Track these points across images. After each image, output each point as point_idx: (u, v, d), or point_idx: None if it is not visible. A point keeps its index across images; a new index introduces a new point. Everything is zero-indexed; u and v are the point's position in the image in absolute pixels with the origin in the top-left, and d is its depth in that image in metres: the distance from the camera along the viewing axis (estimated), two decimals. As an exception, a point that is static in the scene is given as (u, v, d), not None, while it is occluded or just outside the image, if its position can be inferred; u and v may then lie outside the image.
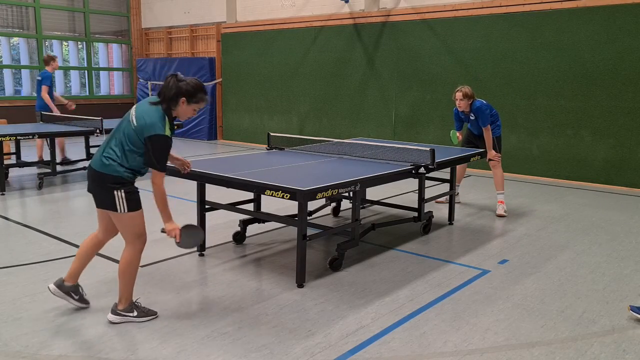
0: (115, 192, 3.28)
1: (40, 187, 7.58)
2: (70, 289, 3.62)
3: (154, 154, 3.24)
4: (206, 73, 13.46)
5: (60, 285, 3.60)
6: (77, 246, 5.05)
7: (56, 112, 8.99)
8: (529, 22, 8.79)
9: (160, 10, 15.22)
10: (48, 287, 3.62)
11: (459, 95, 6.29)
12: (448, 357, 3.15)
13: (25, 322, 3.49)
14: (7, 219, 6.05)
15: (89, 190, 3.47)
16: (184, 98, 3.33)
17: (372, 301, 3.90)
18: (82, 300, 3.66)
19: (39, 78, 9.05)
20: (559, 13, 8.51)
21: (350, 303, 3.86)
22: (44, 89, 8.90)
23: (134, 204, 3.36)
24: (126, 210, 3.32)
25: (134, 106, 3.41)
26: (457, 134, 6.65)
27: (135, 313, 3.51)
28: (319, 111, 11.71)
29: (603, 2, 8.11)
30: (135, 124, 3.27)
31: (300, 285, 4.13)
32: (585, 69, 8.34)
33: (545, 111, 8.77)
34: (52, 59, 9.12)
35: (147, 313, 3.55)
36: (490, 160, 6.39)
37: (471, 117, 6.41)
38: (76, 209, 6.75)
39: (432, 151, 4.93)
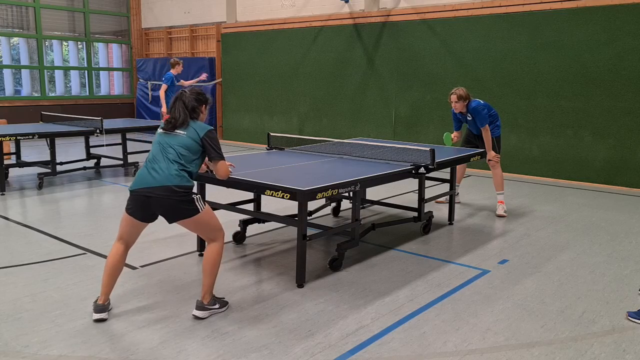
0: (194, 197, 3.52)
1: (40, 187, 7.58)
2: (109, 306, 3.63)
3: (216, 145, 3.62)
4: (206, 73, 13.44)
5: (104, 308, 3.54)
6: (77, 246, 5.06)
7: (163, 109, 10.09)
8: (529, 23, 8.79)
9: (160, 10, 15.22)
10: (98, 320, 3.50)
11: (453, 97, 6.31)
12: (448, 357, 3.15)
13: (25, 322, 3.50)
14: (7, 219, 6.05)
15: (141, 214, 3.51)
16: (203, 105, 3.74)
17: (372, 301, 3.90)
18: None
19: (164, 78, 10.34)
20: (559, 13, 8.51)
21: (350, 303, 3.86)
22: (163, 87, 10.17)
23: (204, 201, 3.65)
24: (204, 206, 3.55)
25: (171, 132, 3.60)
26: (452, 136, 6.62)
27: (218, 305, 3.65)
28: (319, 111, 11.71)
29: (603, 2, 8.11)
30: (195, 136, 3.56)
31: (300, 285, 4.13)
32: (585, 69, 8.34)
33: (545, 111, 8.77)
34: (178, 63, 10.37)
35: (223, 303, 3.71)
36: (489, 160, 6.39)
37: (468, 118, 6.42)
38: (76, 209, 6.75)
39: (432, 151, 4.93)
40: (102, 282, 3.58)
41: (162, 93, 10.20)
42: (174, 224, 3.57)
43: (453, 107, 6.40)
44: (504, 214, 6.37)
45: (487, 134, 6.31)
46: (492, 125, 6.44)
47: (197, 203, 3.51)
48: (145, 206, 3.48)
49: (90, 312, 3.60)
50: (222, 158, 3.67)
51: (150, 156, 3.56)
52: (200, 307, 3.58)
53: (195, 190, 3.59)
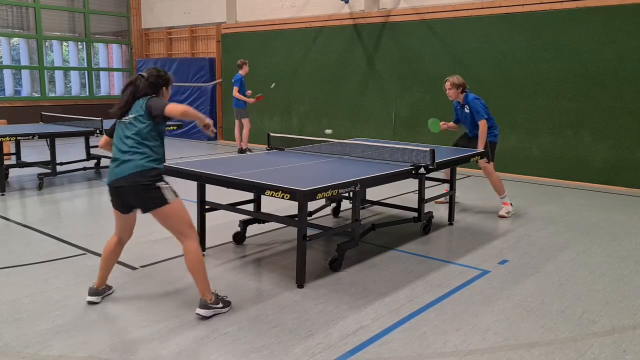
0: (160, 184, 3.46)
1: (40, 187, 7.58)
2: (105, 289, 3.88)
3: (158, 104, 3.46)
4: (206, 73, 13.46)
5: (97, 292, 3.81)
6: (77, 246, 5.06)
7: (250, 101, 11.11)
8: (529, 23, 8.79)
9: (160, 11, 15.22)
10: (90, 302, 3.77)
11: (447, 84, 6.29)
12: (448, 357, 3.15)
13: (25, 322, 3.50)
14: (7, 219, 6.05)
15: (120, 207, 3.60)
16: (164, 87, 3.65)
17: (372, 301, 3.90)
18: (109, 287, 3.94)
19: (233, 80, 11.09)
20: (559, 13, 8.51)
21: (350, 303, 3.86)
22: (235, 89, 10.97)
23: (175, 192, 3.53)
24: (175, 197, 3.49)
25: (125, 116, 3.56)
26: (441, 123, 6.54)
27: (221, 305, 3.64)
28: (319, 111, 11.71)
29: (603, 2, 8.11)
30: (140, 112, 3.47)
31: (300, 285, 4.13)
32: (585, 70, 8.34)
33: (545, 111, 8.77)
34: (245, 63, 11.07)
35: (226, 303, 3.69)
36: (478, 161, 6.21)
37: (466, 110, 6.34)
38: (76, 209, 6.75)
39: (432, 151, 4.93)
40: (99, 267, 3.77)
41: (236, 94, 10.92)
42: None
43: (448, 95, 6.36)
44: (506, 215, 6.33)
45: (483, 128, 6.17)
46: (488, 131, 6.27)
47: (164, 192, 3.44)
48: (119, 197, 3.56)
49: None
50: (168, 103, 3.56)
51: (115, 148, 3.55)
52: (204, 305, 3.57)
53: (166, 179, 3.53)
